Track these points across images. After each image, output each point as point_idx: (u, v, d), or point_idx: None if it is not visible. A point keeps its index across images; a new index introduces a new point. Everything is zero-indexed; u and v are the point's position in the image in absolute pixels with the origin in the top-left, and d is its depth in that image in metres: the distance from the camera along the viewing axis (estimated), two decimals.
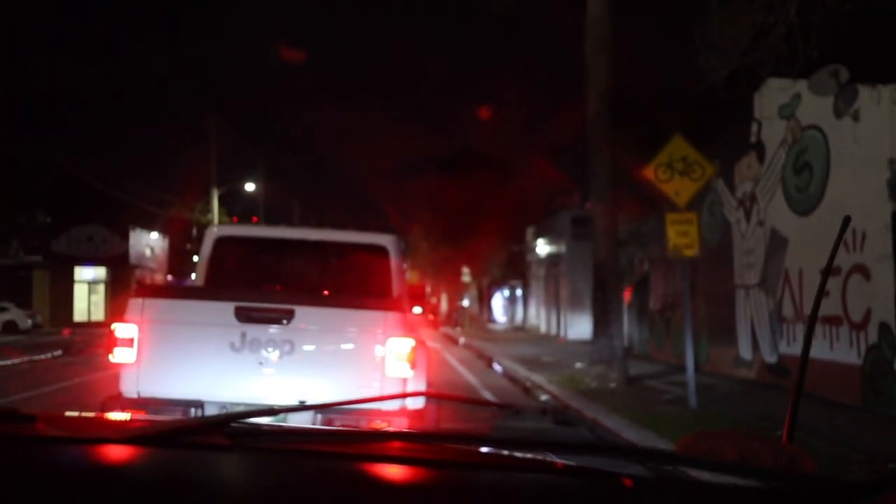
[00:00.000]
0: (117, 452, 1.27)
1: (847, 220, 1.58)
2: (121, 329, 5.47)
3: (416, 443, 1.42)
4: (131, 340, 5.42)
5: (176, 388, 5.43)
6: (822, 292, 1.56)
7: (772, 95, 12.78)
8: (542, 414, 1.27)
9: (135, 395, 5.42)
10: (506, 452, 1.35)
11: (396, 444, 1.38)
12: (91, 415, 1.81)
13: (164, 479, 1.14)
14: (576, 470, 1.22)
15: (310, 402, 5.42)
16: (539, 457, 1.30)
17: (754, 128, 13.95)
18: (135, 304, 5.54)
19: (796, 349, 12.38)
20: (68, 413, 1.63)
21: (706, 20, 9.75)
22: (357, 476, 1.18)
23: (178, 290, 9.02)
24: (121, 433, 1.38)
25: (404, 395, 5.35)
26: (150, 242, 41.31)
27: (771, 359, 13.33)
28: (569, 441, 1.25)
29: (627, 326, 21.45)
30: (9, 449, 1.26)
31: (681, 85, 12.66)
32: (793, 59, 9.08)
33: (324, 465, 1.22)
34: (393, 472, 1.20)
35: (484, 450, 1.38)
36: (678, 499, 1.10)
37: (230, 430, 1.32)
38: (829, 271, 1.67)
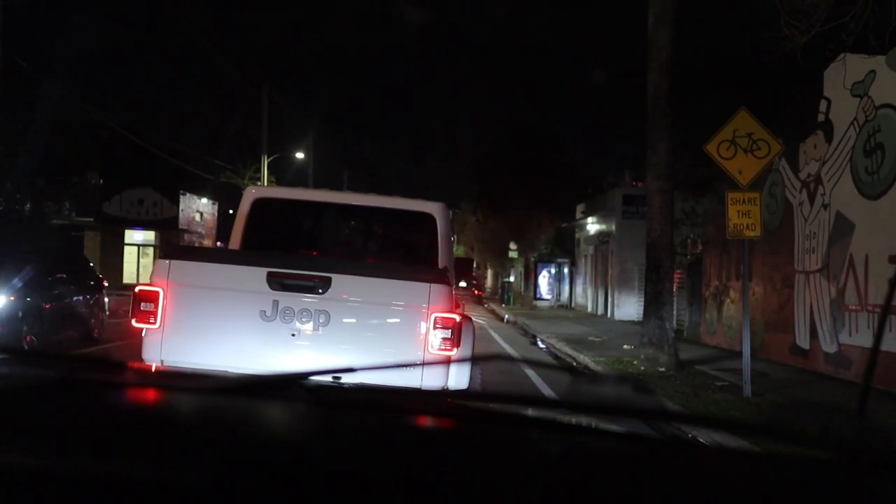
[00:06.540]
0: (207, 401, 1.31)
1: None
2: (144, 292, 5.20)
3: (493, 402, 1.47)
4: (155, 304, 5.11)
5: (201, 358, 5.10)
6: None
7: (844, 71, 12.10)
8: (620, 381, 1.24)
9: (157, 363, 5.10)
10: (576, 420, 1.34)
11: (465, 403, 1.43)
12: (175, 367, 1.86)
13: (258, 427, 1.17)
14: (650, 438, 1.23)
15: (345, 378, 5.13)
16: (615, 424, 1.31)
17: (823, 105, 13.27)
18: (161, 265, 5.25)
19: (858, 340, 11.80)
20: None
21: None
22: (432, 430, 1.23)
23: (207, 253, 8.77)
24: (208, 383, 1.43)
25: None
26: (199, 208, 41.51)
27: (830, 348, 12.75)
28: (647, 408, 1.23)
29: (677, 309, 20.93)
30: (103, 394, 1.32)
31: (745, 58, 12.08)
32: (883, 27, 8.46)
33: (396, 421, 1.26)
34: (463, 428, 1.23)
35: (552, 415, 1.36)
36: (758, 469, 1.11)
37: (307, 384, 1.39)
38: None
